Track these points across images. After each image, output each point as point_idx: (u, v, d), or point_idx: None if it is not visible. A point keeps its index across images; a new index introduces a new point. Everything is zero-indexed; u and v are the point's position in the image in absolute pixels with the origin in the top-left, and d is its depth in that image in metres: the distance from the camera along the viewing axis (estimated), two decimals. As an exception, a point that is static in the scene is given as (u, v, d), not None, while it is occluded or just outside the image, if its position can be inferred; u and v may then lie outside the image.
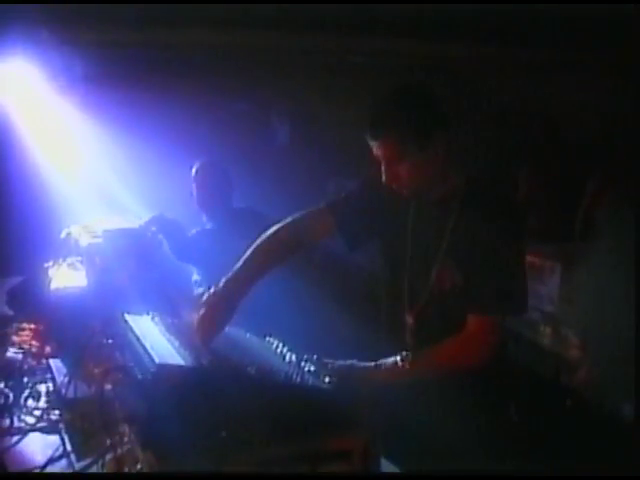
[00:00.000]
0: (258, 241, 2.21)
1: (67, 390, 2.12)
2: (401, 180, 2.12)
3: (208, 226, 3.55)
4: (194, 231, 3.53)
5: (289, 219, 2.27)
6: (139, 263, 2.92)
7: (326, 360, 2.07)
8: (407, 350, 2.14)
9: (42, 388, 2.26)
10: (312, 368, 1.95)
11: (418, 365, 2.09)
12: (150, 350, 1.84)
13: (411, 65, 4.30)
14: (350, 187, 2.34)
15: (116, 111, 3.95)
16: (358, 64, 4.56)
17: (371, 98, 2.24)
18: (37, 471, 1.87)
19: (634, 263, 2.54)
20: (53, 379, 2.31)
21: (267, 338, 2.20)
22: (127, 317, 2.16)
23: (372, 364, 2.15)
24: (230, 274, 2.13)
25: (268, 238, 2.21)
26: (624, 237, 2.61)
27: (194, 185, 3.51)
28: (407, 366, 2.08)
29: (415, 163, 2.08)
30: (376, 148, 2.10)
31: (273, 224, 2.26)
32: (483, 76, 4.44)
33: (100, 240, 3.03)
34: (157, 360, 1.77)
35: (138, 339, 1.97)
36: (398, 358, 2.10)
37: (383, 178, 2.12)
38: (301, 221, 2.28)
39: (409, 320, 2.21)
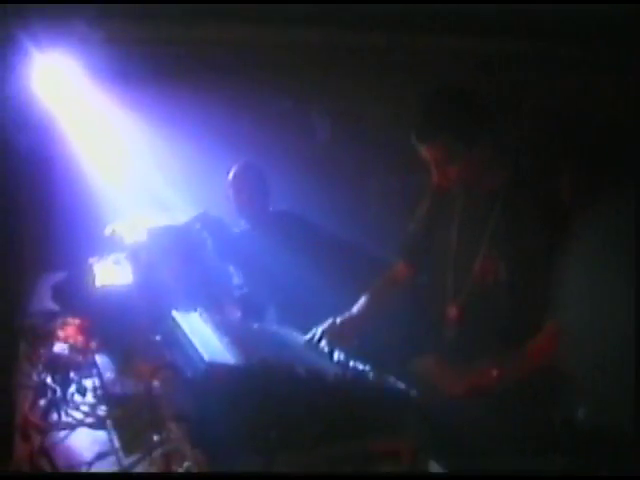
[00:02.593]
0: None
1: (114, 386, 2.13)
2: (451, 180, 2.15)
3: (247, 229, 3.56)
4: (237, 231, 3.54)
5: (375, 287, 2.46)
6: (184, 260, 2.93)
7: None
8: (447, 343, 2.16)
9: (88, 383, 2.26)
10: (361, 367, 1.96)
11: (508, 371, 2.02)
12: (199, 348, 1.86)
13: (456, 63, 4.26)
14: (392, 186, 2.35)
15: (161, 108, 3.96)
16: (402, 62, 4.53)
17: (416, 98, 2.24)
18: (84, 468, 1.88)
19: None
20: (99, 375, 2.31)
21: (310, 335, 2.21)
22: (175, 314, 2.18)
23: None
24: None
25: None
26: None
27: (231, 190, 3.52)
28: (496, 372, 2.01)
29: (464, 163, 2.10)
30: (424, 151, 2.12)
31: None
32: (530, 74, 4.39)
33: (145, 237, 3.04)
34: (207, 358, 1.78)
35: (186, 336, 1.99)
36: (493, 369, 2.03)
37: (433, 178, 2.12)
38: (386, 285, 2.45)
39: (452, 312, 2.21)
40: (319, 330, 2.28)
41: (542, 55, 4.27)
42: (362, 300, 2.43)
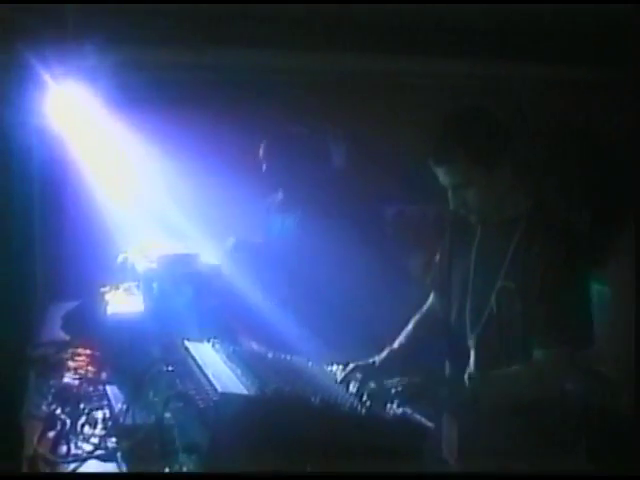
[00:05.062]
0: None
1: (125, 417, 2.14)
2: (468, 205, 2.13)
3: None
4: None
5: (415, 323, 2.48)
6: (197, 289, 2.95)
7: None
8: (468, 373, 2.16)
9: (99, 415, 2.27)
10: (371, 402, 1.96)
11: (486, 389, 2.08)
12: (212, 378, 1.88)
13: (472, 86, 4.28)
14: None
15: (174, 134, 4.02)
16: (416, 85, 4.57)
17: (432, 121, 2.25)
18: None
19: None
20: (110, 406, 2.33)
21: (331, 367, 2.22)
22: (187, 344, 2.20)
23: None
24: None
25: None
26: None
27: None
28: (473, 388, 2.08)
29: (482, 187, 2.10)
30: (442, 174, 2.12)
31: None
32: (550, 95, 4.40)
33: (157, 265, 3.06)
34: (219, 389, 1.80)
35: (199, 367, 2.01)
36: (465, 377, 2.09)
37: (450, 204, 2.13)
38: (424, 320, 2.47)
39: (470, 345, 2.22)
40: (350, 366, 2.23)
41: (566, 73, 4.27)
42: (402, 337, 2.44)
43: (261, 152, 3.61)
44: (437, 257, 2.46)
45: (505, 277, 2.12)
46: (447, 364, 2.38)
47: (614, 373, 2.43)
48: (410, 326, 2.47)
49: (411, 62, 4.17)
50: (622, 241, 2.74)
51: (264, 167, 3.60)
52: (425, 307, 2.50)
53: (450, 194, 2.13)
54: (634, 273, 2.60)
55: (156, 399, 2.06)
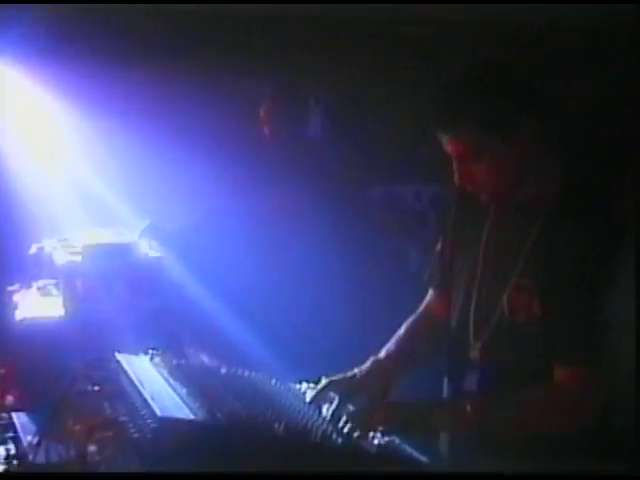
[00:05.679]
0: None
1: (36, 454, 2.12)
2: (478, 181, 2.13)
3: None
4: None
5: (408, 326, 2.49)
6: (133, 288, 2.95)
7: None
8: (470, 394, 2.18)
9: (0, 451, 2.23)
10: (349, 429, 1.97)
11: (492, 415, 2.09)
12: (150, 400, 1.87)
13: (487, 37, 4.30)
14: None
15: (98, 101, 4.01)
16: (414, 35, 4.58)
17: (435, 80, 2.26)
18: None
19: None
20: (17, 439, 2.31)
21: (299, 385, 2.23)
22: (119, 357, 2.20)
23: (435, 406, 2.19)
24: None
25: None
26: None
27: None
28: (477, 415, 2.07)
29: (496, 160, 2.09)
30: (447, 142, 2.12)
31: None
32: (583, 47, 4.44)
33: (81, 258, 3.05)
34: (159, 413, 1.79)
35: (134, 386, 2.00)
36: (468, 406, 2.11)
37: (455, 179, 2.14)
38: (420, 323, 2.49)
39: (474, 356, 2.23)
40: (323, 382, 2.25)
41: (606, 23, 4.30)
42: (391, 345, 2.44)
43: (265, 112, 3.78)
44: (438, 246, 2.47)
45: (521, 273, 2.12)
46: (445, 381, 2.38)
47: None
48: (402, 331, 2.47)
49: (410, 8, 4.18)
50: None
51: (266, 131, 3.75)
52: (421, 307, 2.52)
53: (455, 165, 2.13)
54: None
55: (77, 428, 2.03)
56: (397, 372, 2.39)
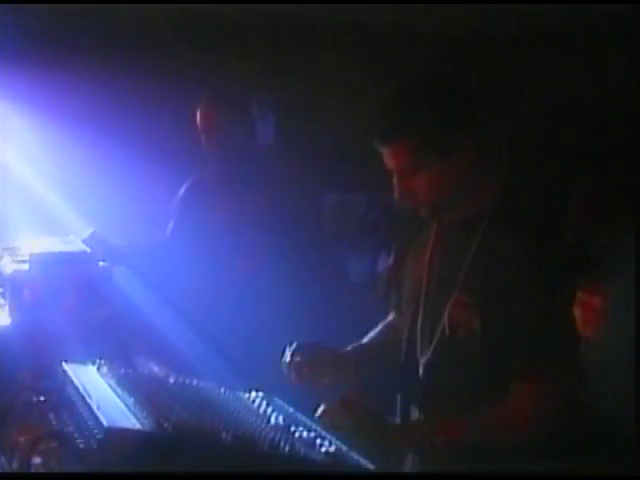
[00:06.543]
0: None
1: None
2: (418, 196, 2.12)
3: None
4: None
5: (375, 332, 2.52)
6: (81, 297, 2.92)
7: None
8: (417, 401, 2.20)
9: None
10: (305, 434, 1.97)
11: (451, 430, 2.08)
12: (96, 410, 1.84)
13: (431, 47, 4.32)
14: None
15: (46, 109, 3.97)
16: (363, 43, 4.58)
17: (380, 90, 2.25)
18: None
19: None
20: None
21: (248, 394, 2.22)
22: (65, 367, 2.17)
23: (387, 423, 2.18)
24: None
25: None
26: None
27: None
28: (437, 431, 2.08)
29: (436, 174, 2.09)
30: (387, 156, 2.11)
31: None
32: (525, 58, 4.47)
33: (28, 266, 3.02)
34: (105, 423, 1.76)
35: (80, 396, 1.97)
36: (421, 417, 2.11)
37: (395, 194, 2.13)
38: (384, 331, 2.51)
39: (420, 369, 2.22)
40: (294, 345, 2.31)
41: (546, 33, 4.33)
42: (354, 345, 2.48)
43: (200, 119, 3.65)
44: (389, 259, 2.48)
45: (461, 288, 2.11)
46: (398, 396, 2.36)
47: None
48: (365, 340, 2.49)
49: (357, 12, 4.17)
50: (619, 241, 2.78)
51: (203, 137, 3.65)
52: (388, 318, 2.52)
53: (395, 180, 2.12)
54: (634, 278, 2.63)
55: (21, 439, 2.02)
56: (361, 361, 2.43)
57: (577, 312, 2.15)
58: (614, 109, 3.70)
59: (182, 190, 3.74)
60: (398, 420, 2.30)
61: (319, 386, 2.32)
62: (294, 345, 2.32)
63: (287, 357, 2.30)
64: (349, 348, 2.45)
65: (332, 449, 1.93)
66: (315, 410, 2.05)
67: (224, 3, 3.87)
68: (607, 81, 4.07)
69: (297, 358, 2.29)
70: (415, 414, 2.23)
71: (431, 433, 2.09)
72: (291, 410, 2.19)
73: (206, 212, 3.61)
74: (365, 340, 2.50)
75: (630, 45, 3.51)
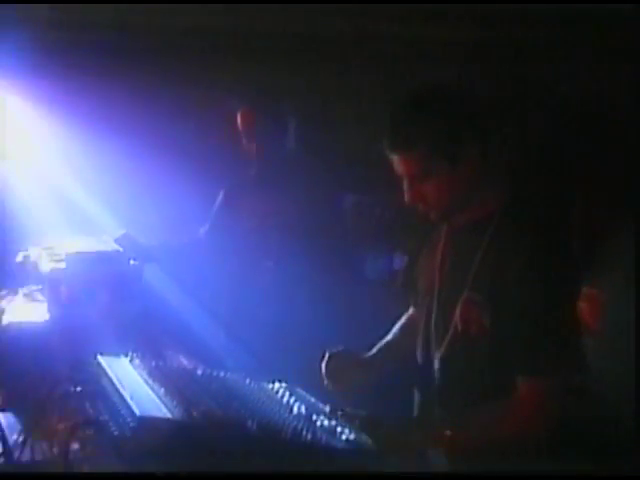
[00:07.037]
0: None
1: (22, 451, 2.13)
2: (427, 200, 2.16)
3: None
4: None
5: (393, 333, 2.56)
6: (114, 294, 2.96)
7: (345, 410, 2.12)
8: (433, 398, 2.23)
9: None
10: (326, 422, 2.02)
11: (460, 432, 2.11)
12: (129, 400, 1.89)
13: (442, 56, 4.32)
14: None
15: (83, 113, 4.00)
16: (377, 52, 4.59)
17: (391, 98, 2.28)
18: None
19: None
20: (2, 438, 2.31)
21: (272, 385, 2.26)
22: (100, 359, 2.21)
23: (405, 419, 2.25)
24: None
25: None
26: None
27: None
28: (446, 432, 2.10)
29: (444, 180, 2.13)
30: (397, 162, 2.15)
31: None
32: (536, 67, 4.47)
33: (65, 265, 3.09)
34: (138, 412, 1.81)
35: (114, 386, 2.02)
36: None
37: (405, 198, 2.17)
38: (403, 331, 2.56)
39: (435, 365, 2.27)
40: (327, 355, 2.40)
41: (553, 42, 4.33)
42: (376, 350, 2.53)
43: (242, 123, 3.73)
44: (405, 257, 2.51)
45: (471, 287, 2.15)
46: (416, 392, 2.41)
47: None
48: (389, 337, 2.54)
49: (372, 23, 4.19)
50: (619, 243, 2.81)
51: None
52: (409, 311, 2.56)
53: (406, 185, 2.16)
54: (634, 279, 2.66)
55: (61, 426, 2.07)
56: (387, 361, 2.51)
57: (580, 309, 2.18)
58: (618, 113, 3.71)
59: (222, 193, 3.79)
60: (416, 414, 2.35)
61: (352, 390, 2.40)
62: (327, 355, 2.40)
63: (322, 367, 2.39)
64: (375, 350, 2.51)
65: (352, 437, 1.97)
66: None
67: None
68: (610, 88, 4.06)
69: (331, 367, 2.39)
70: (433, 409, 2.27)
71: (446, 428, 2.10)
72: (313, 400, 2.23)
73: (241, 214, 3.67)
74: (389, 337, 2.54)
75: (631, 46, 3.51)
